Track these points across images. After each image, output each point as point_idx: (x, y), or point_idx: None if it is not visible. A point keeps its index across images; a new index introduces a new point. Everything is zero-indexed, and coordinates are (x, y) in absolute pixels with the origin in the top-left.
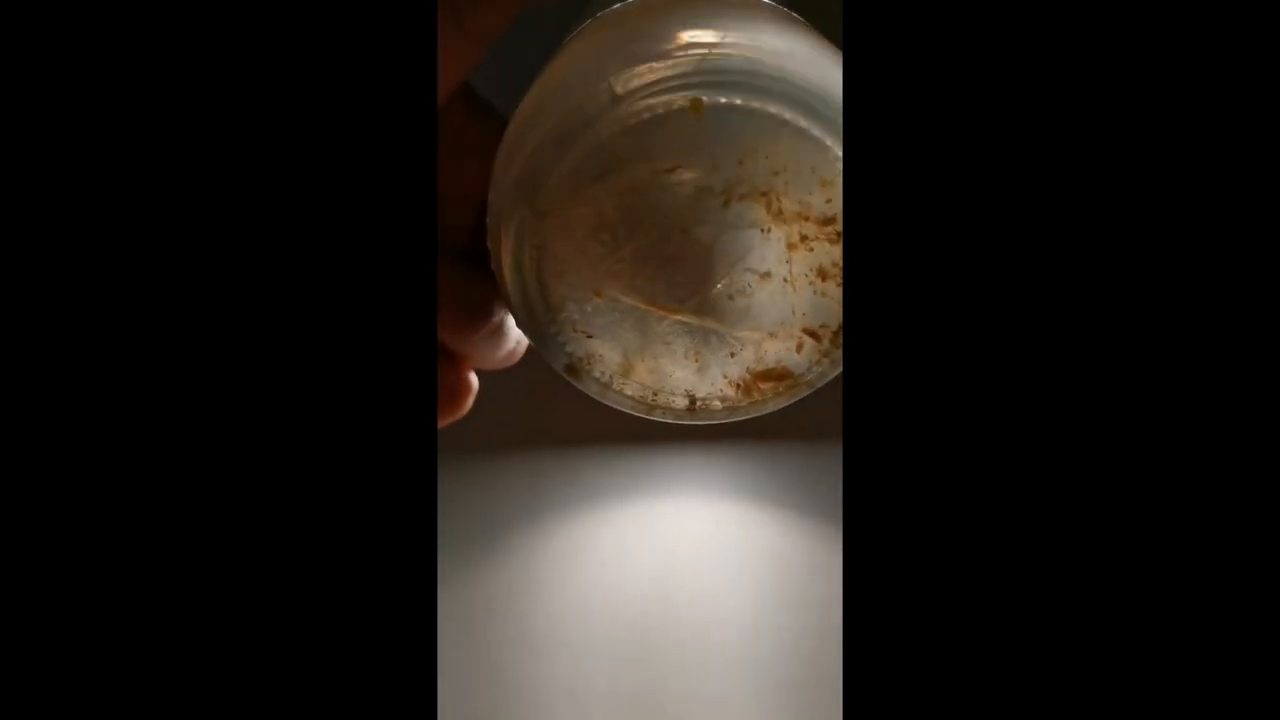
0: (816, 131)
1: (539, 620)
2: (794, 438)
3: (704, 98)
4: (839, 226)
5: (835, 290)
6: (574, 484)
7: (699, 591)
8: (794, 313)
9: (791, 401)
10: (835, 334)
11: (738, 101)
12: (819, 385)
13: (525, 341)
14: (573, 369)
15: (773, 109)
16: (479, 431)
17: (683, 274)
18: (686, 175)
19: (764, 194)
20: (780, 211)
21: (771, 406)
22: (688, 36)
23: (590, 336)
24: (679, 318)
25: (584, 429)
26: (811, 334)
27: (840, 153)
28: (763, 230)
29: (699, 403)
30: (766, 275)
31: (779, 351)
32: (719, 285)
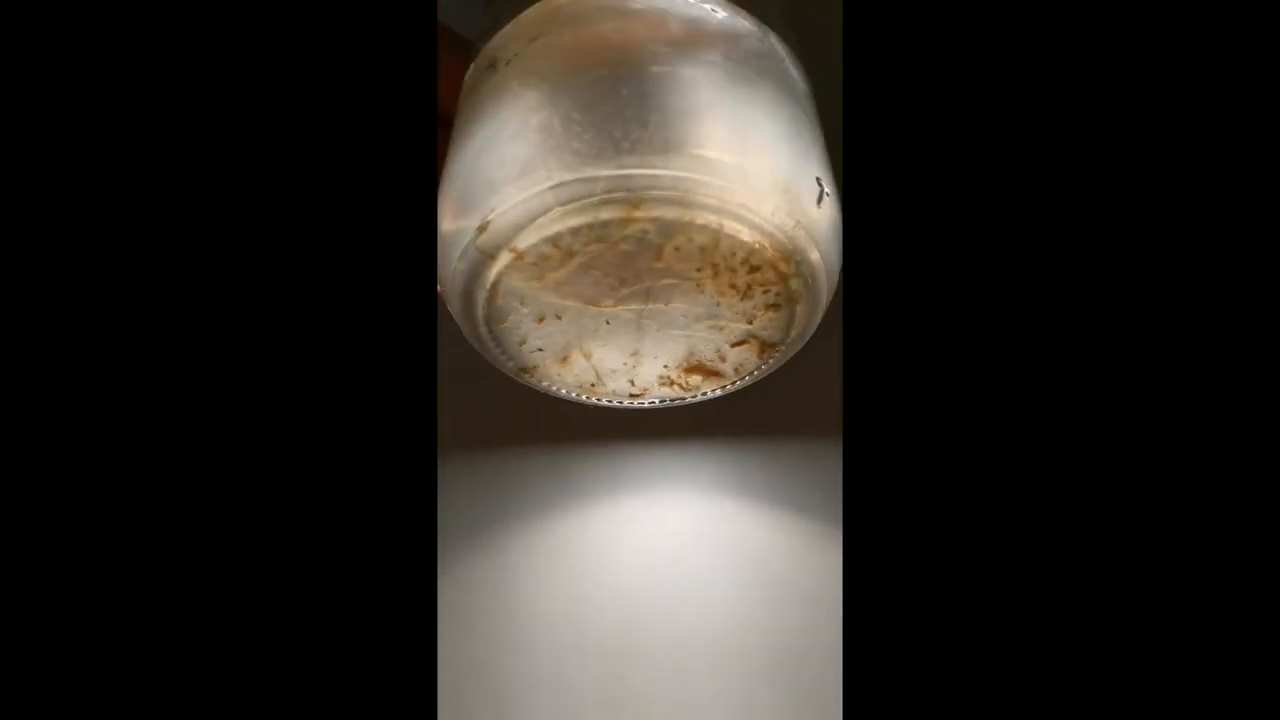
0: None
1: (524, 616)
2: (786, 434)
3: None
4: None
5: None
6: (562, 480)
7: (687, 588)
8: (727, 313)
9: (725, 393)
10: (768, 346)
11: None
12: (750, 383)
13: None
14: (519, 369)
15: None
16: (465, 428)
17: (624, 272)
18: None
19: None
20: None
21: (706, 396)
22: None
23: (525, 344)
24: (616, 310)
25: (571, 425)
26: (743, 342)
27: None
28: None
29: (638, 389)
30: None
31: (714, 345)
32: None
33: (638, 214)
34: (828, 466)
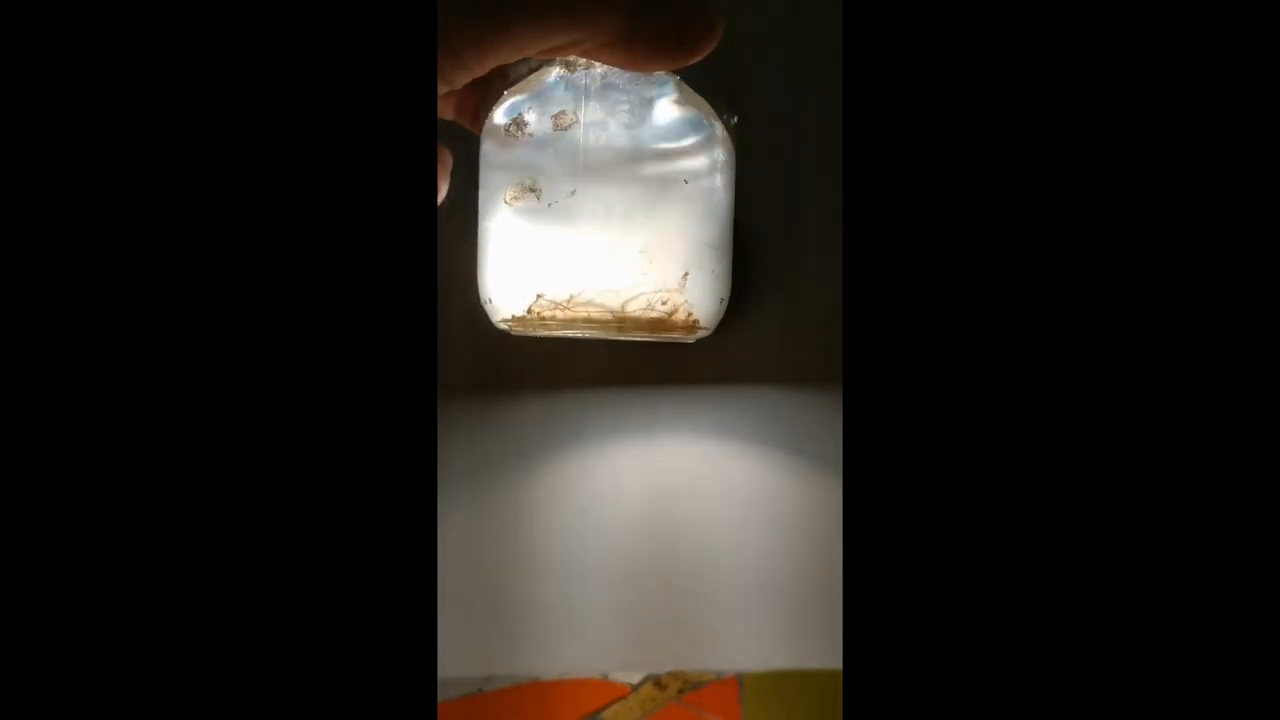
0: None
1: (530, 546)
2: (786, 380)
3: None
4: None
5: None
6: (569, 423)
7: (686, 522)
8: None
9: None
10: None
11: None
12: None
13: None
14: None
15: None
16: (474, 371)
17: None
18: None
19: None
20: None
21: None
22: None
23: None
24: None
25: (578, 371)
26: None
27: None
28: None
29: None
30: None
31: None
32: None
33: None
34: (827, 410)
